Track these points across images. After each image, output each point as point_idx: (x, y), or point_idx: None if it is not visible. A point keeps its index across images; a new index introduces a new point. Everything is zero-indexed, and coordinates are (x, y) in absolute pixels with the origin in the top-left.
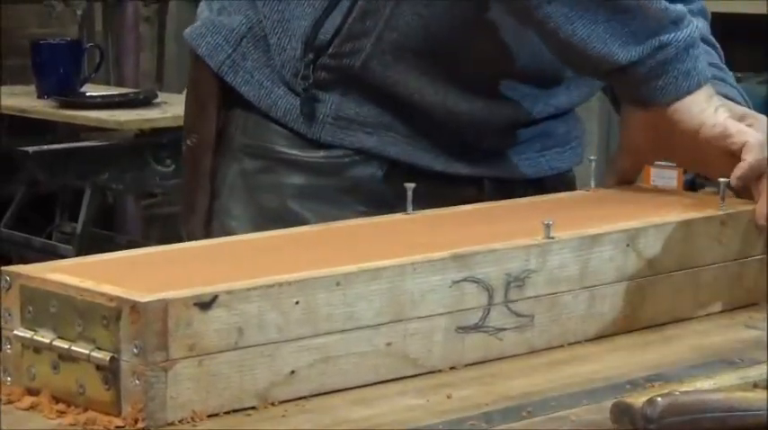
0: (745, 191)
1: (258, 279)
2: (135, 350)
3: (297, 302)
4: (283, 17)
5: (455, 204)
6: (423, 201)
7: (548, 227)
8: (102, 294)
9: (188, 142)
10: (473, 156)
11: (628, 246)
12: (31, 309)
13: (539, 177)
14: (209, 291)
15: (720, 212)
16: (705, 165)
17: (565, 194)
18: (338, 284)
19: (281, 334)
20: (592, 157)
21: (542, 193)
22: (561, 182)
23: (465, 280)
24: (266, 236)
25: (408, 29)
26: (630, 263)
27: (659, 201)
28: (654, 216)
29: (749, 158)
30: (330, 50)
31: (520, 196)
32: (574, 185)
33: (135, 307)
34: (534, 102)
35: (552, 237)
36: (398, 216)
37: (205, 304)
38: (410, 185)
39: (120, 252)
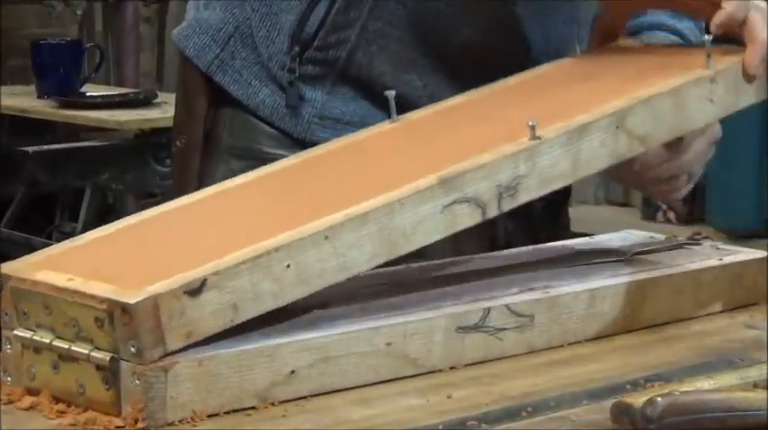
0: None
1: (245, 250)
2: (133, 349)
3: (288, 266)
4: (270, 11)
5: None
6: None
7: (533, 128)
8: (92, 296)
9: (177, 143)
10: None
11: (617, 128)
12: (25, 310)
13: None
14: (197, 276)
15: (709, 71)
16: (683, 4)
17: (545, 69)
18: (326, 238)
19: (277, 300)
20: None
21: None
22: None
23: (455, 202)
24: (240, 184)
25: (392, 17)
26: (622, 144)
27: (643, 66)
28: (640, 88)
29: (729, 5)
30: (316, 43)
31: None
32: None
33: (126, 309)
34: None
35: (538, 137)
36: (382, 127)
37: (195, 290)
38: (390, 93)
39: (100, 230)
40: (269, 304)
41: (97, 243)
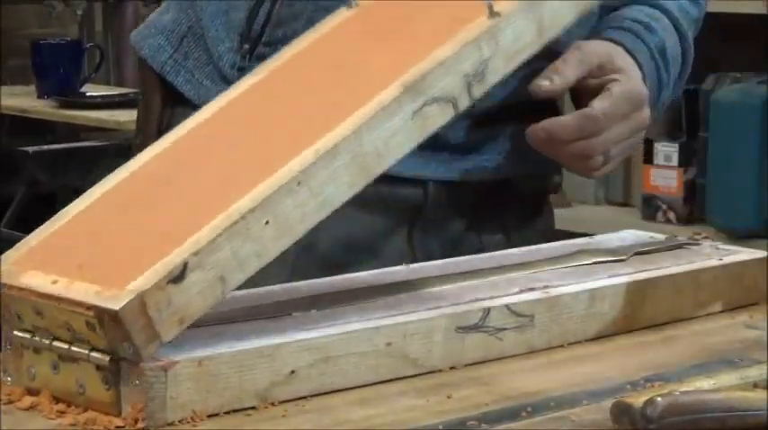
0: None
1: (219, 219)
2: (129, 349)
3: (267, 222)
4: (220, 9)
5: (398, 208)
6: (367, 205)
7: (490, 7)
8: (79, 303)
9: (136, 141)
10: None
11: None
12: (19, 314)
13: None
14: (177, 261)
15: None
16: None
17: None
18: (300, 183)
19: (262, 259)
20: None
21: (499, 199)
22: (533, 185)
23: (424, 105)
24: (190, 132)
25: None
26: None
27: None
28: None
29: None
30: (263, 39)
31: (470, 202)
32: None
33: (113, 315)
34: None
35: (497, 14)
36: (337, 20)
37: (178, 277)
38: None
39: (71, 208)
40: (255, 265)
41: (72, 227)
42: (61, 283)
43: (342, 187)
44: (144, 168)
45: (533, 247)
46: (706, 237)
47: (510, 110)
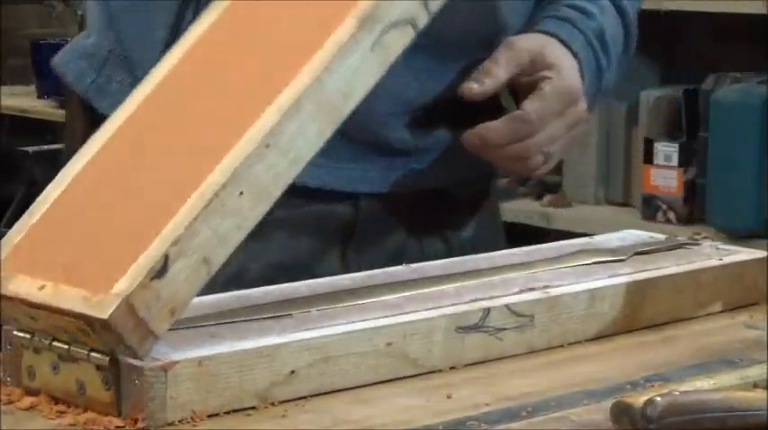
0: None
1: (191, 200)
2: (126, 350)
3: (241, 193)
4: (141, 29)
5: (329, 227)
6: (297, 227)
7: None
8: (68, 311)
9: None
10: (351, 169)
11: None
12: (15, 317)
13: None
14: (157, 255)
15: None
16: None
17: None
18: (268, 146)
19: (242, 230)
20: None
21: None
22: (473, 193)
23: (382, 34)
24: (138, 108)
25: None
26: None
27: None
28: None
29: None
30: None
31: (407, 212)
32: (485, 200)
33: (104, 324)
34: (433, 76)
35: None
36: None
37: (161, 270)
38: None
39: (46, 197)
40: (237, 238)
41: (51, 217)
42: (48, 289)
43: (311, 139)
44: (109, 148)
45: (533, 247)
46: (706, 237)
47: (447, 106)
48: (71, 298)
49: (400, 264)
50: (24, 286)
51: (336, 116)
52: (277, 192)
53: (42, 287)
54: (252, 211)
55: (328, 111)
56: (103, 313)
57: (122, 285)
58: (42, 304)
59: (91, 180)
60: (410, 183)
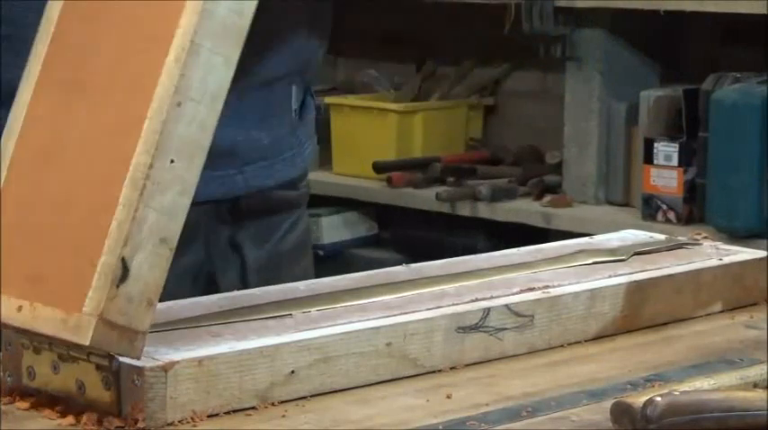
0: None
1: (125, 189)
2: (118, 356)
3: (172, 161)
4: (25, 10)
5: None
6: None
7: None
8: (50, 336)
9: None
10: None
11: None
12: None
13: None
14: (114, 261)
15: None
16: None
17: None
18: (179, 104)
19: (186, 192)
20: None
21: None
22: (264, 201)
23: None
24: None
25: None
26: None
27: None
28: None
29: None
30: None
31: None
32: (288, 203)
33: (88, 348)
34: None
35: None
36: None
37: (123, 275)
38: None
39: None
40: (185, 203)
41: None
42: (26, 310)
43: (221, 72)
44: (23, 152)
45: (533, 247)
46: (706, 237)
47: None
48: (49, 321)
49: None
50: (4, 308)
51: (238, 35)
52: (208, 139)
53: (20, 308)
54: (189, 171)
55: (227, 36)
56: (84, 339)
57: (92, 302)
58: (24, 328)
59: (21, 187)
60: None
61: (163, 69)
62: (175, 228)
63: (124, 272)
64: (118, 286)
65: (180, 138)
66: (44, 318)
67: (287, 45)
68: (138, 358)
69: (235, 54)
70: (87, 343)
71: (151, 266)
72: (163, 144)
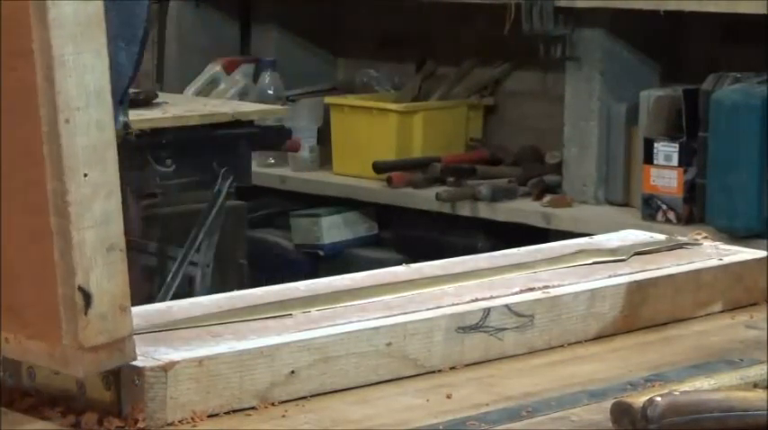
0: None
1: (53, 222)
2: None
3: (85, 175)
4: None
5: None
6: None
7: None
8: (42, 366)
9: None
10: None
11: None
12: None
13: None
14: (71, 292)
15: None
16: None
17: None
18: (68, 121)
19: (113, 192)
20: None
21: None
22: None
23: None
24: None
25: None
26: None
27: None
28: None
29: None
30: None
31: None
32: None
33: (83, 379)
34: None
35: None
36: None
37: (87, 301)
38: None
39: None
40: (116, 202)
41: None
42: (12, 343)
43: (93, 67)
44: None
45: (533, 247)
46: (706, 237)
47: None
48: (37, 354)
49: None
50: None
51: (96, 23)
52: (112, 131)
53: (7, 340)
54: (106, 173)
55: (85, 30)
56: (77, 371)
57: (68, 335)
58: (15, 358)
59: None
60: None
61: (38, 91)
62: (117, 230)
63: (86, 298)
64: (86, 313)
65: (84, 150)
66: (32, 351)
67: None
68: (134, 359)
69: (101, 41)
70: (81, 375)
71: (110, 277)
72: (69, 164)
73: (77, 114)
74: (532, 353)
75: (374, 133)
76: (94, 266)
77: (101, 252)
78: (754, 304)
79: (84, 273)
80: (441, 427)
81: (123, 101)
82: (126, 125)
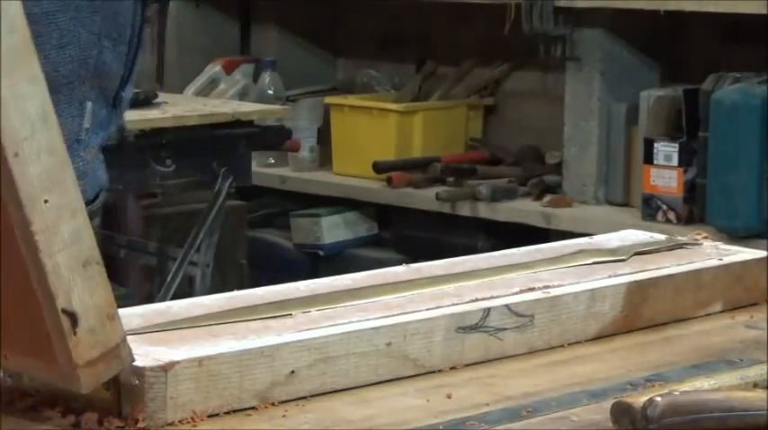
0: None
1: (24, 249)
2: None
3: (46, 201)
4: None
5: None
6: None
7: None
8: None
9: None
10: None
11: None
12: None
13: None
14: (54, 316)
15: None
16: None
17: None
18: (17, 155)
19: (78, 209)
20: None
21: None
22: None
23: None
24: None
25: None
26: None
27: None
28: None
29: None
30: None
31: None
32: None
33: (86, 394)
34: None
35: None
36: None
37: (72, 321)
38: None
39: None
40: (83, 220)
41: None
42: (11, 360)
43: (32, 93)
44: None
45: (533, 247)
46: (706, 237)
47: None
48: (36, 369)
49: None
50: None
51: (25, 49)
52: (64, 153)
53: (6, 357)
54: (67, 193)
55: (16, 59)
56: (79, 388)
57: (62, 355)
58: (15, 372)
59: None
60: None
61: None
62: (89, 245)
63: (72, 318)
64: (75, 333)
65: (38, 177)
66: (31, 367)
67: (60, 41)
68: (132, 361)
69: (34, 66)
70: (84, 391)
71: (91, 292)
72: (27, 195)
73: (25, 144)
74: (532, 353)
75: (374, 133)
76: (74, 286)
77: (77, 270)
78: (754, 304)
79: (65, 295)
80: (441, 427)
81: (116, 103)
82: (122, 128)
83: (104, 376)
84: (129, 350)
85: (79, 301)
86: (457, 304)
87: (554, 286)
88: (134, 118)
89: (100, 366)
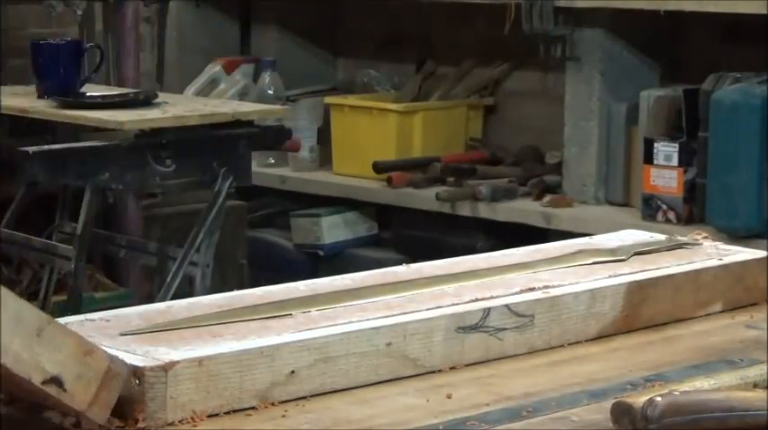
0: None
1: None
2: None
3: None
4: None
5: None
6: None
7: None
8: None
9: None
10: None
11: None
12: None
13: None
14: (37, 387)
15: None
16: None
17: None
18: None
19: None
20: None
21: None
22: None
23: None
24: None
25: None
26: None
27: None
28: None
29: None
30: None
31: None
32: None
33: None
34: None
35: None
36: None
37: (58, 383)
38: None
39: None
40: (14, 301)
41: None
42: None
43: None
44: None
45: (533, 247)
46: (706, 237)
47: None
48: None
49: None
50: None
51: None
52: None
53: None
54: None
55: None
56: (94, 425)
57: (66, 407)
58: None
59: None
60: None
61: None
62: (33, 315)
63: (56, 382)
64: (65, 390)
65: None
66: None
67: None
68: (128, 368)
69: None
70: (103, 423)
71: (59, 349)
72: None
73: None
74: (532, 353)
75: (374, 133)
76: (41, 358)
77: (35, 342)
78: (754, 304)
79: (38, 371)
80: (441, 427)
81: None
82: None
83: (112, 400)
84: (122, 361)
85: (53, 364)
86: (457, 304)
87: (554, 286)
88: (134, 118)
89: (103, 395)
